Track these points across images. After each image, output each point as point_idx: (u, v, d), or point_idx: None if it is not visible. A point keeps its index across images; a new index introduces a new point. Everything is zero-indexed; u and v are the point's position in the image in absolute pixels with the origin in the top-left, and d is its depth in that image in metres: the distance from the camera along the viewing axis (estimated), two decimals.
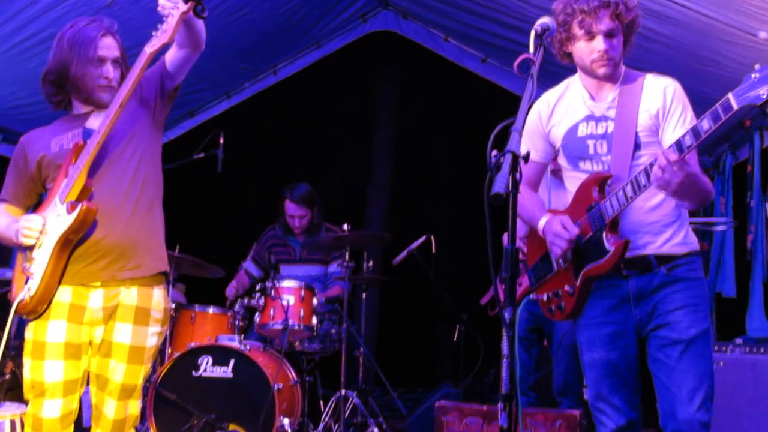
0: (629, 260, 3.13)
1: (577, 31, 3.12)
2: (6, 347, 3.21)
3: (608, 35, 3.11)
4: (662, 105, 3.13)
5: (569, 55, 3.23)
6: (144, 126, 3.29)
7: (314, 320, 5.43)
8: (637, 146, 3.14)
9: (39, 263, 3.13)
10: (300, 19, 7.23)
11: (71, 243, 3.13)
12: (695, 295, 3.13)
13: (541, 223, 3.28)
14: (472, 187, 8.22)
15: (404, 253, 5.63)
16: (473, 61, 7.36)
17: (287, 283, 5.45)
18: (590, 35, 3.12)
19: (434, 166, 8.67)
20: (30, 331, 3.19)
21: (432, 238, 5.52)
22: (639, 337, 3.20)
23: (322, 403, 5.58)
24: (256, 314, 5.42)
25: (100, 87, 3.24)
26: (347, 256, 5.49)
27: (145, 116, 3.31)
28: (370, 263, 5.69)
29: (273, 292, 5.36)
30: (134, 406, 3.28)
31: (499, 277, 5.40)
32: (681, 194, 2.89)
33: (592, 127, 3.22)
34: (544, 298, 3.43)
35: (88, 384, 3.29)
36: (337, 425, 5.32)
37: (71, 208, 3.07)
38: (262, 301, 5.38)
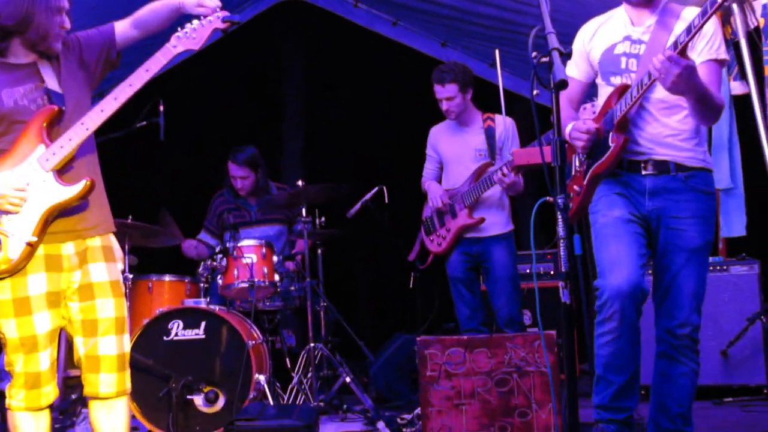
0: (649, 161, 3.48)
1: None
2: None
3: None
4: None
5: None
6: (84, 88, 3.33)
7: (276, 277, 5.47)
8: None
9: (21, 226, 3.11)
10: None
11: (61, 211, 3.17)
12: (706, 207, 3.51)
13: (567, 129, 3.57)
14: (388, 147, 8.43)
15: (358, 205, 5.70)
16: (384, 25, 7.50)
17: (248, 242, 5.47)
18: None
19: (346, 131, 8.74)
20: (6, 291, 3.16)
21: (384, 189, 5.62)
22: (646, 222, 3.52)
23: (288, 360, 5.61)
24: (218, 276, 5.41)
25: (57, 36, 3.24)
26: (304, 212, 5.56)
27: (84, 79, 3.35)
28: (323, 219, 5.74)
29: (235, 252, 5.36)
30: (128, 342, 3.35)
31: (423, 228, 5.54)
32: (678, 87, 3.20)
33: (627, 46, 3.54)
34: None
35: None
36: (308, 378, 5.37)
37: (66, 179, 3.14)
38: (224, 262, 5.38)
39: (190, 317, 5.06)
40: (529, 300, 5.83)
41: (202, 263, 5.45)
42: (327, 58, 8.36)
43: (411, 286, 5.69)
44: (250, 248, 5.43)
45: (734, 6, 4.97)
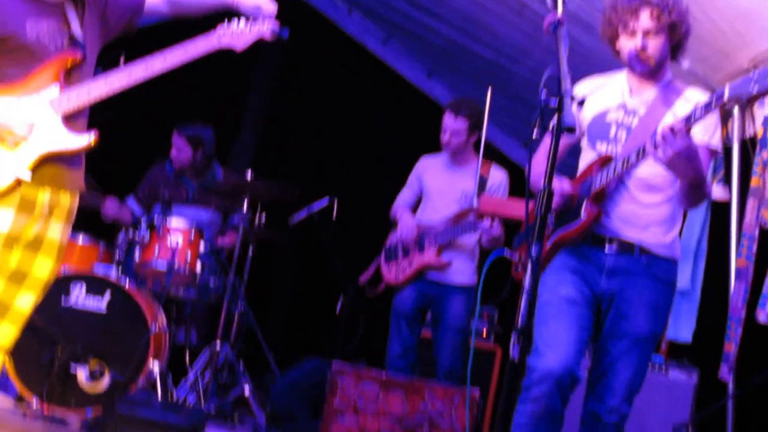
0: (614, 239, 3.32)
1: (620, 28, 3.27)
2: None
3: (647, 34, 3.24)
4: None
5: (618, 53, 3.37)
6: (96, 44, 3.16)
7: (198, 267, 5.11)
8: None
9: (14, 159, 2.90)
10: None
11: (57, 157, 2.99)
12: (662, 298, 3.36)
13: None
14: (348, 163, 8.07)
15: (304, 213, 5.42)
16: (374, 41, 7.23)
17: (177, 223, 5.10)
18: (630, 33, 3.26)
19: (308, 134, 8.38)
20: None
21: (335, 201, 5.34)
22: (597, 302, 3.35)
23: (188, 354, 5.23)
24: (136, 249, 5.02)
25: None
26: (245, 206, 5.21)
27: (99, 34, 3.17)
28: (263, 217, 5.38)
29: (162, 230, 4.99)
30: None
31: (384, 254, 5.28)
32: (674, 165, 3.02)
33: (621, 115, 3.38)
34: (516, 258, 3.62)
35: None
36: (204, 379, 4.99)
37: (72, 126, 2.97)
38: (147, 238, 5.00)
39: (96, 284, 4.71)
40: None
41: (122, 232, 5.05)
42: (306, 58, 8.01)
43: (338, 311, 5.39)
44: (177, 230, 5.06)
45: (735, 110, 4.83)
